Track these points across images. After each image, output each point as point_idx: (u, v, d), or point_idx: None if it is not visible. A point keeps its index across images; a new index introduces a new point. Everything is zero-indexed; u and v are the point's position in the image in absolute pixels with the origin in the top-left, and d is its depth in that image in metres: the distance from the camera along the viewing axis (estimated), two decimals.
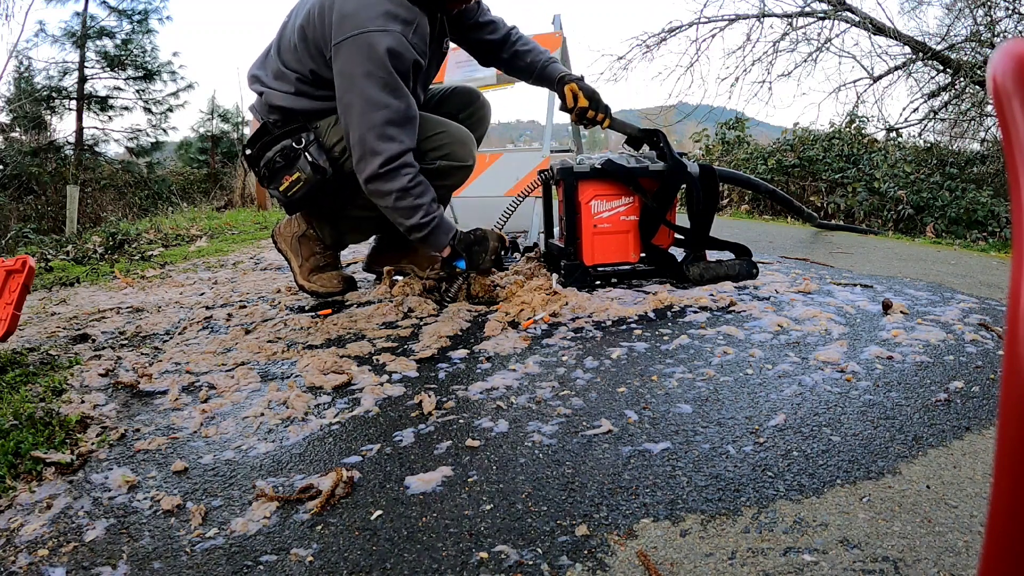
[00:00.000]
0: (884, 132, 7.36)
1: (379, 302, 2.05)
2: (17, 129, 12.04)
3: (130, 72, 12.81)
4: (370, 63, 1.76)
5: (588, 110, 2.08)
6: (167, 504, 1.00)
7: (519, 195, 2.21)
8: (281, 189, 1.96)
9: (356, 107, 1.79)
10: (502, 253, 2.01)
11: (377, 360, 1.58)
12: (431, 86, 2.31)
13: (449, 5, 1.96)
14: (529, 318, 1.84)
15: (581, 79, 2.12)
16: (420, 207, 1.86)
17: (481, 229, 1.97)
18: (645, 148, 2.27)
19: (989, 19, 6.66)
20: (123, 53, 12.61)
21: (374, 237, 2.43)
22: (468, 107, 2.28)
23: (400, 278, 2.26)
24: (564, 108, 2.13)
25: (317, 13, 1.84)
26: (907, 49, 7.19)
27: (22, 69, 12.36)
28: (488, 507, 0.95)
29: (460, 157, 2.03)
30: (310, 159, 1.92)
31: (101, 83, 12.69)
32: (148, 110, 13.10)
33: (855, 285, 2.12)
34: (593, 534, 0.88)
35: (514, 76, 2.28)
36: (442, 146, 2.00)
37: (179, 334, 1.91)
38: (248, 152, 2.04)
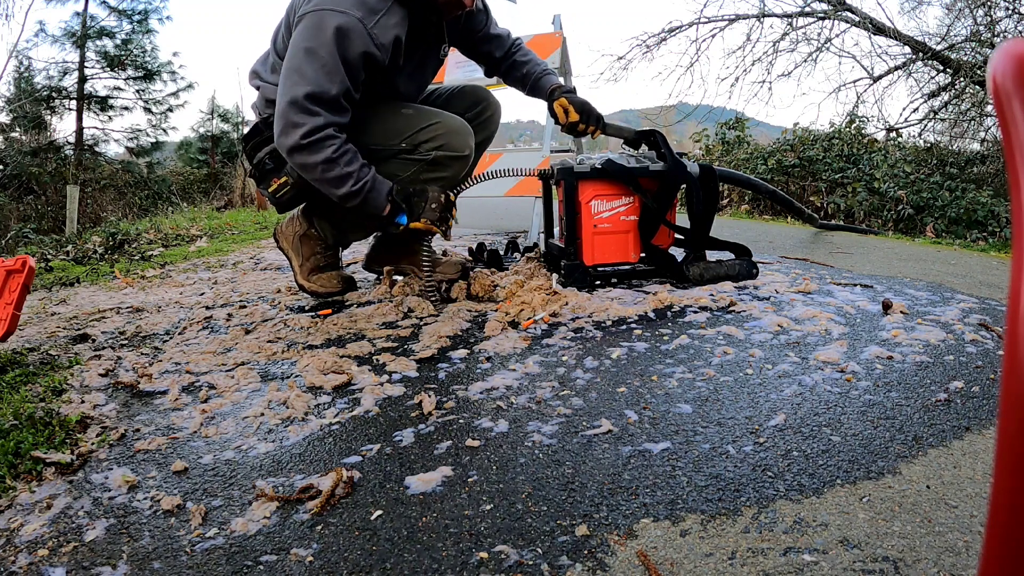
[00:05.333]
0: (884, 132, 7.36)
1: (379, 302, 2.05)
2: (17, 129, 12.04)
3: (130, 72, 12.82)
4: (315, 40, 1.73)
5: (579, 123, 2.09)
6: (167, 504, 1.00)
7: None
8: (270, 191, 1.98)
9: (289, 79, 1.75)
10: (449, 219, 1.94)
11: (377, 360, 1.58)
12: (438, 86, 2.32)
13: (445, 9, 1.93)
14: (529, 318, 1.84)
15: (572, 91, 2.12)
16: (350, 175, 1.79)
17: (423, 185, 1.94)
18: (644, 148, 2.27)
19: (989, 19, 6.65)
20: (123, 53, 12.62)
21: (374, 236, 2.43)
22: (476, 106, 2.26)
23: (400, 278, 2.26)
24: (556, 123, 2.16)
25: None
26: (907, 49, 7.19)
27: (22, 69, 12.38)
28: (488, 507, 0.95)
29: (456, 147, 1.97)
30: None
31: (101, 83, 12.72)
32: (148, 110, 13.12)
33: (855, 285, 2.12)
34: (593, 534, 0.88)
35: (511, 86, 2.30)
36: (436, 136, 1.95)
37: (179, 334, 1.91)
38: (246, 148, 2.06)
